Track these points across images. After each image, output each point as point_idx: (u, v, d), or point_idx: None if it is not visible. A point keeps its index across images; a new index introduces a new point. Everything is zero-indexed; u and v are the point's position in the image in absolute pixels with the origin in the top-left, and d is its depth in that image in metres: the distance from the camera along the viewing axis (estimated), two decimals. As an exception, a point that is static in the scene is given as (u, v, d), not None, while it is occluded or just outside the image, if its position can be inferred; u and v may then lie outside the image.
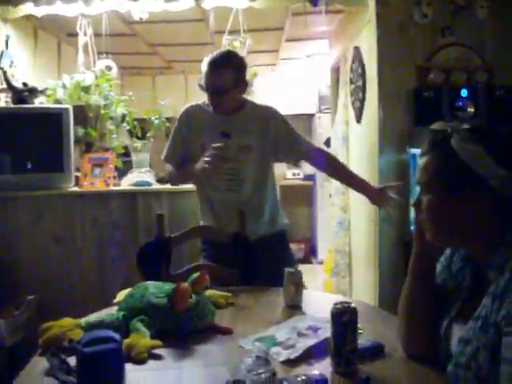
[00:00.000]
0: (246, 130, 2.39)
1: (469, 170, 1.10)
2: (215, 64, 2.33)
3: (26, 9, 3.28)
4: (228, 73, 2.30)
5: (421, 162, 1.20)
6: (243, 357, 1.18)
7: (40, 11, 3.27)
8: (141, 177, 3.26)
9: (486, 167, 1.08)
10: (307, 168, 6.74)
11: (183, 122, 2.46)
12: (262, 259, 2.15)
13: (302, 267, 1.82)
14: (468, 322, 1.09)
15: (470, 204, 1.11)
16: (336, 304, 1.27)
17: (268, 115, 2.44)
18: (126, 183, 3.28)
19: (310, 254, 6.61)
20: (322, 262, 5.65)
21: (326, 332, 1.37)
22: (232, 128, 2.37)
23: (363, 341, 1.33)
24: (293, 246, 6.40)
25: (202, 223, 2.52)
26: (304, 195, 6.87)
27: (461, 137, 1.12)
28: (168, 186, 3.22)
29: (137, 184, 3.22)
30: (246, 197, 2.39)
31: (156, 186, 3.25)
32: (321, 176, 6.23)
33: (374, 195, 2.43)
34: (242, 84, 2.37)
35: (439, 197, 1.15)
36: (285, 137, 2.43)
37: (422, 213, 1.21)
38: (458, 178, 1.12)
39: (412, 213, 2.83)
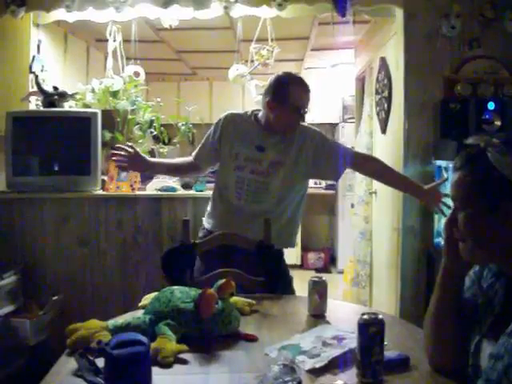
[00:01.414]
0: (281, 146, 2.41)
1: (508, 183, 1.09)
2: (306, 87, 2.44)
3: (58, 15, 3.33)
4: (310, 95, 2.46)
5: (455, 177, 1.18)
6: (269, 364, 1.19)
7: (72, 17, 3.32)
8: (166, 182, 3.30)
9: None
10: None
11: (220, 127, 2.50)
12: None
13: (324, 277, 1.82)
14: (499, 338, 1.09)
15: (508, 219, 1.10)
16: (363, 314, 1.27)
17: (305, 135, 2.45)
18: (151, 188, 3.32)
19: (330, 264, 6.59)
20: (341, 272, 5.64)
21: (352, 342, 1.38)
22: (268, 143, 2.41)
23: (389, 352, 1.33)
24: (313, 255, 6.49)
25: (207, 225, 2.53)
26: (325, 204, 6.85)
27: (497, 150, 1.11)
28: (193, 192, 3.26)
29: (162, 189, 3.26)
30: (267, 209, 2.39)
31: (181, 192, 3.28)
32: (343, 186, 6.22)
33: (425, 196, 2.45)
34: None
35: (478, 212, 1.14)
36: (323, 152, 2.42)
37: (456, 229, 1.20)
38: (497, 192, 1.11)
39: (436, 225, 2.83)
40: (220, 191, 2.53)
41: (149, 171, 2.69)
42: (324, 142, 2.46)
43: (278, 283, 2.12)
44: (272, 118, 2.40)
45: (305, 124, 2.49)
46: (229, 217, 2.46)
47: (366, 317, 1.26)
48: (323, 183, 6.82)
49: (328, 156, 2.42)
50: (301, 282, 2.38)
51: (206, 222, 2.55)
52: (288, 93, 2.36)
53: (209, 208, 2.58)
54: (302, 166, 2.41)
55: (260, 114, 2.49)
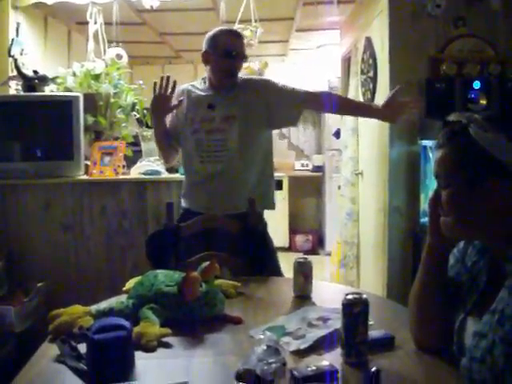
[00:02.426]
0: (231, 102, 2.46)
1: (490, 158, 1.08)
2: (235, 32, 2.55)
3: (37, -4, 3.28)
4: (243, 42, 2.50)
5: (438, 154, 1.17)
6: (253, 346, 1.18)
7: (50, -1, 3.26)
8: (150, 166, 3.26)
9: (508, 153, 1.07)
10: (316, 159, 6.73)
11: (176, 100, 2.50)
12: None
13: (309, 258, 1.81)
14: (483, 315, 1.08)
15: (494, 193, 1.09)
16: (347, 295, 1.26)
17: (256, 85, 2.53)
18: (136, 172, 3.28)
19: (318, 246, 6.61)
20: (329, 254, 5.66)
21: (336, 323, 1.37)
22: (218, 101, 2.46)
23: (374, 332, 1.33)
24: (300, 237, 6.50)
25: (184, 204, 2.57)
26: (312, 186, 6.85)
27: (479, 126, 1.10)
28: (177, 175, 3.22)
29: (146, 173, 3.23)
30: (233, 168, 2.43)
31: (165, 175, 3.26)
32: (329, 167, 6.22)
33: (385, 110, 2.49)
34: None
35: (461, 189, 1.13)
36: (278, 96, 2.48)
37: (440, 207, 1.19)
38: (479, 168, 1.10)
39: (423, 205, 2.83)
40: (185, 163, 2.58)
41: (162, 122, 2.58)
42: (271, 88, 2.51)
43: (263, 265, 2.11)
44: (210, 71, 2.49)
45: (251, 76, 2.59)
46: (199, 186, 2.50)
47: (349, 297, 1.25)
48: (310, 165, 6.82)
49: (278, 101, 2.47)
50: (288, 265, 2.36)
51: (183, 202, 2.60)
52: (217, 40, 2.45)
53: (183, 187, 2.64)
54: (255, 115, 2.46)
55: (202, 80, 2.59)
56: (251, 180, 2.47)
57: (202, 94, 2.52)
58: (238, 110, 2.43)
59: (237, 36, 2.51)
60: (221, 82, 2.48)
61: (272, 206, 2.57)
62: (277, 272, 2.41)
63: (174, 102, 2.47)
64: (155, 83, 2.43)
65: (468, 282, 1.22)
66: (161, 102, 2.45)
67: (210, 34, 2.49)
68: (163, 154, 2.66)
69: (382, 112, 2.51)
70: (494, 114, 1.18)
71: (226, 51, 2.42)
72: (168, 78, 2.43)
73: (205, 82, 2.56)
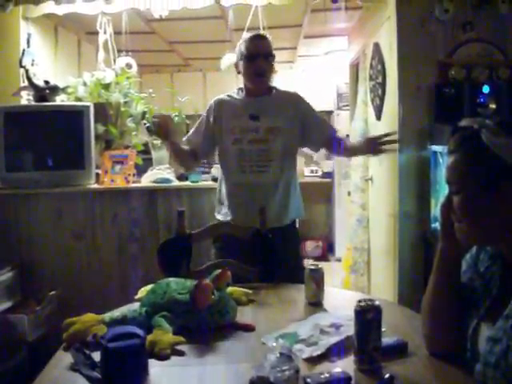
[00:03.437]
0: (274, 112, 2.49)
1: (502, 163, 1.08)
2: (259, 35, 2.58)
3: (47, 7, 3.30)
4: (270, 43, 2.53)
5: (449, 160, 1.17)
6: (266, 354, 1.18)
7: (61, 10, 3.29)
8: (160, 174, 3.28)
9: None
10: (325, 165, 6.72)
11: (212, 110, 2.56)
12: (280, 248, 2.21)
13: (320, 265, 1.81)
14: (497, 321, 1.08)
15: (507, 198, 1.09)
16: (360, 301, 1.26)
17: (295, 99, 2.59)
18: (146, 180, 3.30)
19: (328, 252, 6.59)
20: (339, 260, 5.64)
21: (349, 329, 1.37)
22: (261, 111, 2.49)
23: (387, 339, 1.32)
24: (310, 244, 6.49)
25: (218, 216, 2.56)
26: (322, 193, 6.83)
27: (491, 131, 1.10)
28: (188, 183, 3.24)
29: (157, 181, 3.24)
30: (273, 178, 2.47)
31: (176, 183, 3.27)
32: (339, 173, 6.20)
33: (367, 144, 2.57)
34: (274, 62, 2.55)
35: (473, 194, 1.13)
36: (312, 118, 2.57)
37: (452, 212, 1.19)
38: (491, 173, 1.10)
39: (433, 210, 2.82)
40: (224, 173, 2.57)
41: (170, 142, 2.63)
42: (303, 105, 2.60)
43: (274, 273, 2.10)
44: (244, 78, 2.53)
45: (289, 90, 2.64)
46: (238, 195, 2.50)
47: (362, 304, 1.25)
48: (319, 171, 6.81)
49: (311, 122, 2.56)
50: (299, 271, 2.37)
51: (217, 213, 2.59)
52: (242, 47, 2.51)
53: (218, 200, 2.62)
54: (295, 129, 2.52)
55: (238, 90, 2.62)
56: (290, 191, 2.54)
57: (241, 103, 2.54)
58: (282, 122, 2.48)
59: (259, 38, 2.54)
60: (254, 86, 2.52)
61: (303, 215, 2.67)
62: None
63: (211, 115, 2.56)
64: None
65: (481, 288, 1.22)
66: (161, 131, 2.54)
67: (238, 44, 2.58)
68: (183, 164, 2.78)
69: (366, 145, 2.59)
70: (505, 119, 1.17)
71: (249, 54, 2.47)
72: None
73: (242, 91, 2.59)
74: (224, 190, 2.57)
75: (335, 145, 2.60)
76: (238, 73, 2.57)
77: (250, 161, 2.45)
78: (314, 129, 2.56)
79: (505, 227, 1.12)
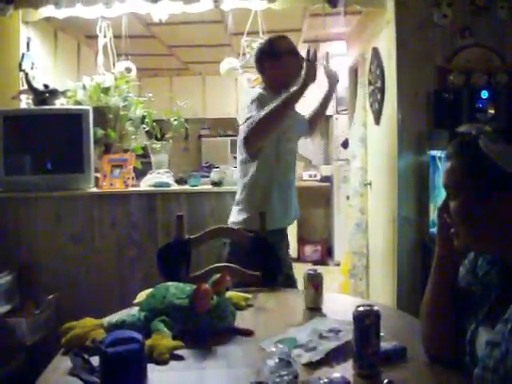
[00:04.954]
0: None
1: (499, 171, 1.08)
2: (283, 36, 2.62)
3: (47, 11, 3.30)
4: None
5: (447, 165, 1.18)
6: (265, 359, 1.18)
7: (61, 13, 3.29)
8: (160, 178, 3.27)
9: None
10: (324, 169, 6.73)
11: (265, 102, 2.34)
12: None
13: (319, 269, 1.82)
14: (495, 325, 1.08)
15: (503, 205, 1.09)
16: (359, 307, 1.27)
17: None
18: (145, 184, 3.30)
19: (327, 256, 6.59)
20: (338, 264, 5.64)
21: (348, 335, 1.37)
22: None
23: (385, 343, 1.32)
24: (309, 248, 6.48)
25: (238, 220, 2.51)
26: (321, 197, 6.84)
27: (489, 138, 1.11)
28: (187, 187, 3.23)
29: (156, 185, 3.24)
30: (294, 177, 2.61)
31: (175, 187, 3.27)
32: (338, 178, 6.21)
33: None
34: None
35: (469, 200, 1.14)
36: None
37: (449, 217, 1.19)
38: (488, 180, 1.10)
39: (432, 215, 2.83)
40: (264, 173, 2.46)
41: None
42: None
43: (274, 277, 2.11)
44: (271, 78, 2.54)
45: None
46: (277, 197, 2.48)
47: (361, 309, 1.25)
48: (318, 175, 6.82)
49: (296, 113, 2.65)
50: (298, 276, 2.37)
51: (249, 221, 2.43)
52: (274, 46, 2.53)
53: (240, 206, 2.53)
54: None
55: (264, 89, 2.53)
56: (294, 189, 2.63)
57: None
58: (294, 120, 2.58)
59: (284, 36, 2.60)
60: (290, 83, 2.44)
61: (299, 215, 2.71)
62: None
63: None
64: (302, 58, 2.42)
65: (479, 293, 1.22)
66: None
67: (261, 46, 2.60)
68: (268, 135, 2.38)
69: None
70: (504, 125, 1.18)
71: (288, 51, 2.51)
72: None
73: (268, 91, 2.48)
74: (259, 192, 2.47)
75: (313, 117, 2.81)
76: (262, 73, 2.57)
77: (286, 160, 2.52)
78: (299, 117, 2.69)
79: (501, 236, 1.12)
